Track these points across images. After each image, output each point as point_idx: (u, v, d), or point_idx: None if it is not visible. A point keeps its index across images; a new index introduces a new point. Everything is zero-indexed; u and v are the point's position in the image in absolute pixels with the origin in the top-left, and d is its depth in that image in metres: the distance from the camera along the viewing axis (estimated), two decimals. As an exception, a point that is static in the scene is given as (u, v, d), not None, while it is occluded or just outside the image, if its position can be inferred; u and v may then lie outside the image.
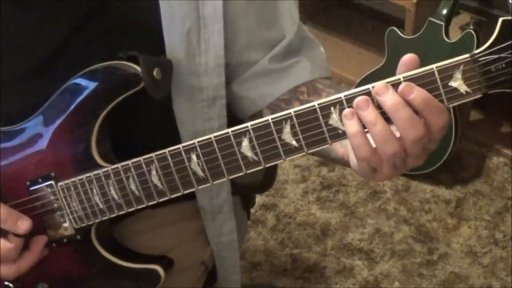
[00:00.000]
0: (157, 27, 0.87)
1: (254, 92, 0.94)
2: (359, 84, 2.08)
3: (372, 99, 0.69)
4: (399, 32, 1.98)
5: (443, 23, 1.86)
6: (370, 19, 2.68)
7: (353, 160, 0.75)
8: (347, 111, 0.70)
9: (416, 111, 0.68)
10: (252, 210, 1.21)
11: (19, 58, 0.89)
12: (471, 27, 1.89)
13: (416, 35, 1.94)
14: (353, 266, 1.87)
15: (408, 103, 0.68)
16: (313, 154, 0.82)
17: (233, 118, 0.96)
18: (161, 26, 0.87)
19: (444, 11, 1.88)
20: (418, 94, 0.67)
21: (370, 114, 0.68)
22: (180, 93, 0.90)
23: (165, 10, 0.87)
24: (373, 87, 0.69)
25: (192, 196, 1.00)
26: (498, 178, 2.10)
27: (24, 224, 0.87)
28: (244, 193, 1.11)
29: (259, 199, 2.04)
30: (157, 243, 1.02)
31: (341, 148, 0.84)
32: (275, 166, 1.19)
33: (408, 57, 0.69)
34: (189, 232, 1.06)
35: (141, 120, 0.94)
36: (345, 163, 0.83)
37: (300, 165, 2.18)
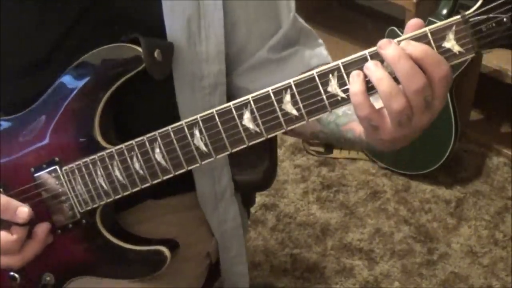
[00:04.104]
0: (158, 15, 0.88)
1: (254, 84, 0.95)
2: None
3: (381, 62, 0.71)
4: (399, 32, 1.98)
5: (443, 23, 1.86)
6: (370, 19, 2.68)
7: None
8: (355, 71, 0.72)
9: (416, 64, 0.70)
10: (252, 210, 1.21)
11: (22, 48, 0.89)
12: (471, 27, 1.89)
13: (416, 35, 1.94)
14: (353, 266, 1.87)
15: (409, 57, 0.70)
16: (330, 142, 0.82)
17: None
18: (162, 14, 0.88)
19: (444, 11, 1.88)
20: (416, 45, 0.70)
21: (377, 71, 0.70)
22: (182, 81, 0.91)
23: None
24: (369, 53, 0.72)
25: (194, 188, 1.00)
26: (498, 178, 2.10)
27: (23, 213, 0.87)
28: (245, 191, 1.11)
29: (259, 199, 2.04)
30: (160, 232, 1.02)
31: (358, 126, 0.84)
32: (276, 164, 1.19)
33: (414, 21, 0.72)
34: (193, 221, 1.06)
35: (143, 107, 0.95)
36: (361, 142, 0.84)
37: (300, 165, 2.19)
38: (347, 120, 0.86)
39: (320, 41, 1.00)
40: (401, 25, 2.09)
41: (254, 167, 1.11)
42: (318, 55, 0.97)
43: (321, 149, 2.21)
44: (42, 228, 0.90)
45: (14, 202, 0.88)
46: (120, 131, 0.91)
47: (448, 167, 2.10)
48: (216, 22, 0.89)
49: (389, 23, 2.09)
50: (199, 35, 0.89)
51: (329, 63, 0.96)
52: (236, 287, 1.10)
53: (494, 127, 2.26)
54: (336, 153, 2.20)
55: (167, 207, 1.04)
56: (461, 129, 2.03)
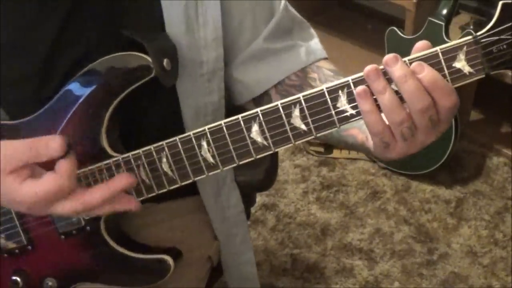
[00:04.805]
0: (156, 3, 0.88)
1: (250, 77, 0.95)
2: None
3: (383, 72, 0.71)
4: (399, 32, 1.98)
5: (443, 23, 1.87)
6: (370, 19, 2.68)
7: (371, 142, 0.77)
8: (360, 89, 0.71)
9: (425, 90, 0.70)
10: (252, 210, 1.21)
11: (21, 46, 0.88)
12: (471, 27, 1.89)
13: (416, 35, 1.94)
14: (353, 266, 1.87)
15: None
16: (329, 143, 0.83)
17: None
18: (160, 2, 0.87)
19: (444, 11, 1.88)
20: (428, 73, 0.70)
21: (379, 84, 0.71)
22: (182, 68, 0.90)
23: None
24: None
25: (197, 191, 1.00)
26: (498, 178, 2.10)
27: (53, 143, 0.76)
28: (246, 191, 1.11)
29: (259, 199, 2.04)
30: (163, 237, 1.02)
31: (360, 133, 0.84)
32: (276, 165, 1.19)
33: (421, 43, 0.72)
34: (195, 226, 1.06)
35: (149, 112, 0.94)
36: (363, 149, 0.84)
37: (300, 165, 2.18)
38: (349, 125, 0.87)
39: (313, 31, 1.00)
40: (401, 25, 2.09)
41: (255, 167, 1.11)
42: (315, 51, 0.97)
43: (321, 149, 2.21)
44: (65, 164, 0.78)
45: (41, 138, 0.78)
46: (125, 136, 0.91)
47: (448, 167, 2.10)
48: (213, 7, 0.89)
49: (389, 23, 2.09)
50: (197, 21, 0.89)
51: (325, 58, 0.97)
52: (243, 278, 1.10)
53: (494, 127, 2.26)
54: (336, 153, 2.20)
55: (170, 211, 1.03)
56: (461, 129, 2.03)
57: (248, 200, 1.18)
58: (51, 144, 0.76)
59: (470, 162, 2.16)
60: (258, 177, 1.12)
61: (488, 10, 1.90)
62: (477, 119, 2.29)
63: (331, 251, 1.91)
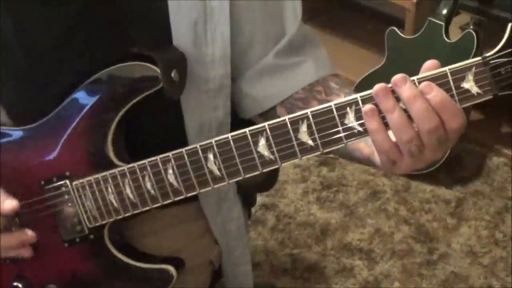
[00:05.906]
0: (165, 16, 0.87)
1: (260, 91, 0.94)
2: (359, 84, 2.08)
3: (392, 90, 0.71)
4: (399, 32, 1.98)
5: (443, 23, 1.87)
6: (370, 19, 2.68)
7: (377, 157, 0.77)
8: (367, 107, 0.72)
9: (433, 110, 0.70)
10: (252, 210, 1.21)
11: (28, 46, 0.88)
12: (471, 27, 1.89)
13: (416, 35, 1.94)
14: (353, 266, 1.87)
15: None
16: (334, 154, 0.84)
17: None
18: (168, 15, 0.87)
19: (444, 11, 1.88)
20: (436, 93, 0.70)
21: (388, 103, 0.71)
22: (187, 83, 0.90)
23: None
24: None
25: (196, 198, 1.00)
26: (498, 178, 2.10)
27: (8, 204, 0.87)
28: (247, 191, 1.11)
29: (259, 199, 2.04)
30: (165, 244, 1.02)
31: (366, 147, 0.84)
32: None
33: (430, 63, 0.72)
34: (196, 232, 1.06)
35: (154, 122, 0.94)
36: (369, 162, 0.84)
37: (300, 165, 2.18)
38: None
39: (324, 50, 0.99)
40: (401, 25, 2.09)
41: None
42: (324, 67, 0.96)
43: (321, 149, 2.20)
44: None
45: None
46: (130, 145, 0.90)
47: (448, 167, 2.10)
48: (223, 24, 0.89)
49: (389, 23, 2.09)
50: (205, 37, 0.89)
51: (336, 74, 0.96)
52: (239, 287, 1.10)
53: (494, 127, 2.26)
54: (336, 153, 2.20)
55: (171, 217, 1.03)
56: (461, 129, 2.02)
57: (249, 200, 1.17)
58: (5, 204, 0.87)
59: (470, 162, 2.16)
60: (259, 178, 1.12)
61: (488, 10, 1.90)
62: (477, 119, 2.29)
63: (331, 251, 1.91)
